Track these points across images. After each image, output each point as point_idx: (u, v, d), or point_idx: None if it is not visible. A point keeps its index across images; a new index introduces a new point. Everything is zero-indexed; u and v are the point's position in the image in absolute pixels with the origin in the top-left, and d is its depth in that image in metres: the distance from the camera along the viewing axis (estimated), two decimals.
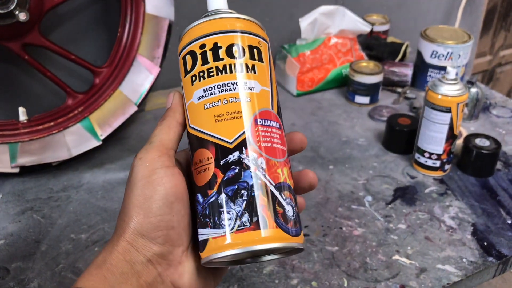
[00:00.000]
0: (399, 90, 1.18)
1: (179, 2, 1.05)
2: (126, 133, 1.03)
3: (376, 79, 1.11)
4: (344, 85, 1.19)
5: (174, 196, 0.38)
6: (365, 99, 1.13)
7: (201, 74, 0.40)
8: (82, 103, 0.93)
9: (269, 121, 0.40)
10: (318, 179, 0.88)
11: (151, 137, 0.41)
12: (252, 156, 0.38)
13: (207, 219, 0.38)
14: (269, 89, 0.41)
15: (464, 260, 0.73)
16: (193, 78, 0.40)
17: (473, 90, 1.04)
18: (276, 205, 0.38)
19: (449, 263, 0.72)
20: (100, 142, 0.91)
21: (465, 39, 1.12)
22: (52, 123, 0.90)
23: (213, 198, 0.38)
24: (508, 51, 2.08)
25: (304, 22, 1.15)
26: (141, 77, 0.93)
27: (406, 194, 0.86)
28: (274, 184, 0.38)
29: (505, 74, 2.15)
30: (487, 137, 0.91)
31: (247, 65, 0.40)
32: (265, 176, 0.38)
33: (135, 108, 0.93)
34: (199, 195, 0.39)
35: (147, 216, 0.38)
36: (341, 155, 0.96)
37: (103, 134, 0.91)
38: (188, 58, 0.41)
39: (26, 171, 0.88)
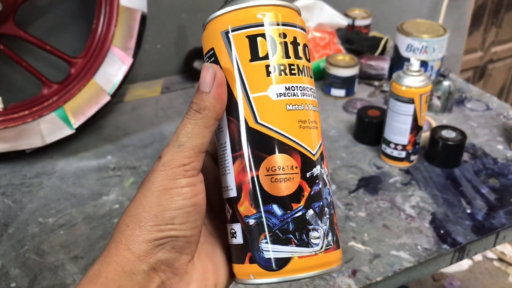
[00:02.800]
0: (376, 83, 1.20)
1: None
2: (103, 123, 1.05)
3: (352, 72, 1.12)
4: (322, 78, 1.21)
5: (192, 207, 0.34)
6: (341, 92, 1.14)
7: (282, 68, 0.35)
8: (57, 92, 0.95)
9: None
10: None
11: (180, 135, 0.35)
12: (326, 172, 0.36)
13: (291, 235, 0.34)
14: None
15: (419, 247, 0.74)
16: (270, 69, 0.35)
17: (446, 83, 1.06)
18: (337, 225, 0.38)
19: (403, 249, 0.74)
20: (73, 131, 0.93)
21: (441, 33, 1.13)
22: (27, 112, 0.92)
23: (300, 213, 0.34)
24: (500, 47, 2.08)
25: None
26: (114, 67, 0.95)
27: (370, 184, 0.87)
28: (333, 203, 0.38)
29: (497, 71, 2.15)
30: (454, 128, 0.92)
31: (310, 70, 0.37)
32: (333, 194, 0.39)
33: (108, 98, 0.95)
34: (275, 206, 0.34)
35: (158, 224, 0.34)
36: None
37: (76, 123, 0.93)
38: (262, 41, 0.35)
39: (1, 158, 0.90)
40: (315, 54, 1.20)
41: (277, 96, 0.35)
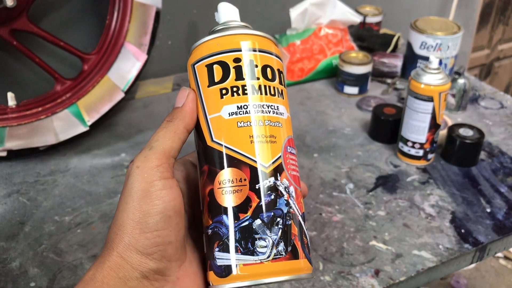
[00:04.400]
0: (389, 81, 1.19)
1: None
2: (115, 120, 1.04)
3: (365, 69, 1.11)
4: (334, 75, 1.20)
5: (172, 210, 0.36)
6: (354, 90, 1.13)
7: (235, 89, 0.38)
8: (70, 89, 0.94)
9: (293, 149, 0.40)
10: (301, 167, 0.89)
11: (152, 141, 0.37)
12: (285, 184, 0.38)
13: (237, 244, 0.36)
14: (290, 116, 0.41)
15: (440, 246, 0.73)
16: (224, 91, 0.38)
17: (461, 81, 1.05)
18: (303, 235, 0.38)
19: (425, 249, 0.73)
20: (87, 128, 0.92)
21: (455, 30, 1.12)
22: (40, 109, 0.91)
23: (246, 223, 0.36)
24: (507, 45, 2.07)
25: (295, 12, 1.16)
26: (128, 64, 0.94)
27: (388, 182, 0.87)
28: (300, 214, 0.38)
29: (503, 69, 2.14)
30: (471, 127, 0.92)
31: (277, 89, 0.39)
32: (295, 205, 0.38)
33: (122, 95, 0.94)
34: (224, 217, 0.37)
35: (143, 232, 0.35)
36: (326, 144, 0.97)
37: (90, 120, 0.92)
38: (217, 68, 0.38)
39: (14, 155, 0.89)
40: (327, 51, 1.19)
41: (229, 115, 0.38)
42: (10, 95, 0.92)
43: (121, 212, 0.36)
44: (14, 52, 0.98)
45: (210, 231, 0.38)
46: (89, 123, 0.92)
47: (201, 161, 0.39)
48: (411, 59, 1.16)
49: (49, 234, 0.75)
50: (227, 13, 0.42)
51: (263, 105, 0.38)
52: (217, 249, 0.37)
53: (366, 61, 1.12)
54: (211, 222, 0.37)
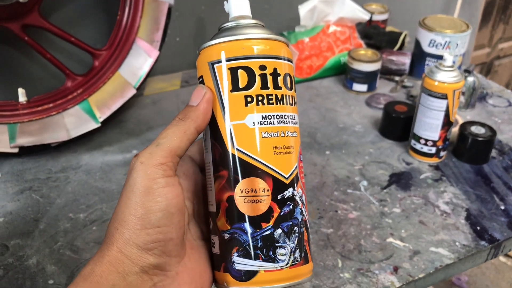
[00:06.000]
0: (397, 78, 1.19)
1: None
2: (124, 116, 1.04)
3: (374, 67, 1.12)
4: (343, 73, 1.20)
5: (175, 208, 0.36)
6: (363, 87, 1.13)
7: (260, 98, 0.38)
8: (81, 85, 0.93)
9: (301, 157, 0.41)
10: (314, 165, 0.89)
11: (160, 137, 0.37)
12: (300, 193, 0.39)
13: (258, 252, 0.37)
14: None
15: (457, 243, 0.74)
16: (249, 99, 0.38)
17: (470, 79, 1.05)
18: (309, 240, 0.41)
19: (442, 246, 0.73)
20: (99, 124, 0.91)
21: (463, 29, 1.12)
22: (51, 105, 0.90)
23: (268, 232, 0.38)
24: (507, 44, 2.08)
25: (303, 9, 1.16)
26: (140, 60, 0.94)
27: (401, 180, 0.87)
28: (309, 220, 0.41)
29: (503, 67, 2.16)
30: (482, 124, 0.92)
31: (294, 98, 0.40)
32: (305, 213, 0.40)
33: (133, 91, 0.93)
34: (246, 224, 0.38)
35: (145, 227, 0.35)
36: (338, 141, 0.97)
37: (101, 116, 0.92)
38: (242, 73, 0.38)
39: (25, 151, 0.89)
40: (335, 49, 1.19)
41: (253, 125, 0.38)
42: (21, 91, 0.91)
43: (122, 207, 0.36)
44: (24, 48, 0.97)
45: (227, 235, 0.38)
46: (101, 120, 0.92)
47: (218, 165, 0.39)
48: (420, 57, 1.16)
49: (64, 231, 0.75)
50: (239, 6, 0.40)
51: (284, 116, 0.39)
52: (236, 254, 0.38)
53: (375, 59, 1.12)
54: (229, 227, 0.38)
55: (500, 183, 0.86)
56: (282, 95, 0.38)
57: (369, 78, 1.12)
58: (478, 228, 0.77)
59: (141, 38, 0.94)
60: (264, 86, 0.38)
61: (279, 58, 0.39)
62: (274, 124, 0.38)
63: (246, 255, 0.38)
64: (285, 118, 0.39)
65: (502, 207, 0.81)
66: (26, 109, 0.89)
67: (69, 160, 0.90)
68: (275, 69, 0.38)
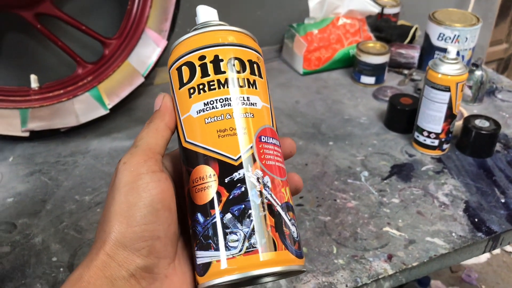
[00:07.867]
0: (406, 72, 1.19)
1: None
2: (134, 104, 1.06)
3: (382, 59, 1.12)
4: (351, 65, 1.20)
5: (160, 203, 0.35)
6: (371, 79, 1.14)
7: (201, 86, 0.38)
8: (91, 73, 0.96)
9: (271, 139, 0.39)
10: (317, 155, 0.91)
11: (137, 140, 0.38)
12: (258, 174, 0.37)
13: (210, 241, 0.36)
14: (269, 106, 0.40)
15: (454, 234, 0.74)
16: (191, 91, 0.38)
17: (478, 73, 1.05)
18: (283, 226, 0.37)
19: (438, 236, 0.74)
20: (108, 111, 0.94)
21: (473, 22, 1.12)
22: (62, 91, 0.93)
23: (217, 218, 0.36)
24: None
25: (313, 1, 1.17)
26: (148, 49, 0.96)
27: (402, 171, 0.87)
28: (280, 204, 0.37)
29: None
30: (487, 118, 0.92)
31: (248, 80, 0.39)
32: (271, 196, 0.37)
33: (142, 79, 0.96)
34: (199, 214, 0.36)
35: (130, 225, 0.34)
36: (342, 132, 0.98)
37: (110, 103, 0.94)
38: (185, 69, 0.39)
39: (36, 136, 0.92)
40: (344, 41, 1.20)
41: (197, 113, 0.38)
42: (33, 77, 0.94)
43: (108, 207, 0.36)
44: (37, 36, 1.00)
45: (191, 230, 0.37)
46: (109, 106, 0.94)
47: (182, 162, 0.39)
48: (429, 51, 1.16)
49: (70, 212, 0.77)
50: (202, 15, 0.42)
51: (229, 98, 0.38)
52: (196, 248, 0.37)
53: (383, 51, 1.12)
54: (190, 222, 0.37)
55: (503, 177, 0.86)
56: (226, 79, 0.38)
57: (377, 71, 1.13)
58: (476, 220, 0.77)
59: (150, 28, 0.96)
60: (204, 74, 0.38)
61: (222, 45, 0.39)
62: (217, 108, 0.37)
63: (202, 247, 0.36)
64: (232, 101, 0.38)
65: (503, 200, 0.81)
66: (37, 95, 0.92)
67: (78, 145, 0.93)
68: (216, 56, 0.38)
